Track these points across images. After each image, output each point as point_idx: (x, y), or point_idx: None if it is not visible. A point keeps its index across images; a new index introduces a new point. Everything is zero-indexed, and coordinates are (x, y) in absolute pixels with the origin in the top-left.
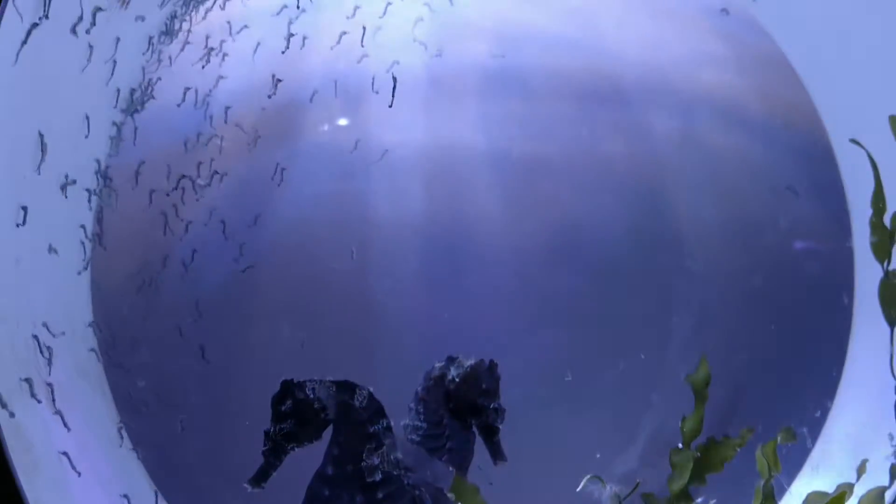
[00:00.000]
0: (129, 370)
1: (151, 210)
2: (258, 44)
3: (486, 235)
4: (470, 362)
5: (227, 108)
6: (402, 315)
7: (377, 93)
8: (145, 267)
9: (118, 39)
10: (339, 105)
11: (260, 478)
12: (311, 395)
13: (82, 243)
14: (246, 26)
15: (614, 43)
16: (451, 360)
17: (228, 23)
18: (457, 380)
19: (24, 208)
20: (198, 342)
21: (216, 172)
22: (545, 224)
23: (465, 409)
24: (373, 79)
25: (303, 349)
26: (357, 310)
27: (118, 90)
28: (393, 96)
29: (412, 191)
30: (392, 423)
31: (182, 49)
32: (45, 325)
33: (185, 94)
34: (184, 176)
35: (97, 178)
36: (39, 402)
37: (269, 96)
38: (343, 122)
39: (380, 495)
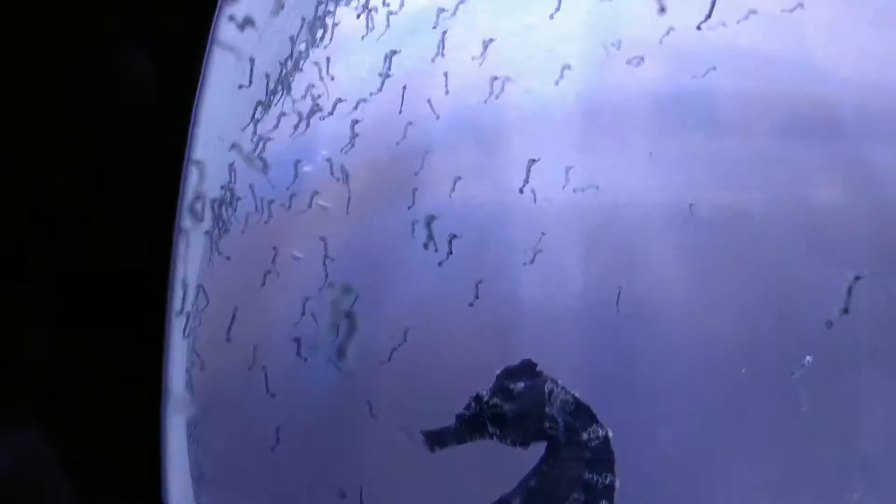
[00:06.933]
0: None
1: None
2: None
3: (665, 320)
4: None
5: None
6: None
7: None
8: None
9: None
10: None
11: (437, 438)
12: (548, 394)
13: None
14: None
15: (825, 59)
16: None
17: None
18: None
19: None
20: None
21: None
22: (746, 301)
23: None
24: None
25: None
26: None
27: None
28: None
29: (564, 262)
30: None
31: None
32: None
33: None
34: None
35: None
36: None
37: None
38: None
39: None
